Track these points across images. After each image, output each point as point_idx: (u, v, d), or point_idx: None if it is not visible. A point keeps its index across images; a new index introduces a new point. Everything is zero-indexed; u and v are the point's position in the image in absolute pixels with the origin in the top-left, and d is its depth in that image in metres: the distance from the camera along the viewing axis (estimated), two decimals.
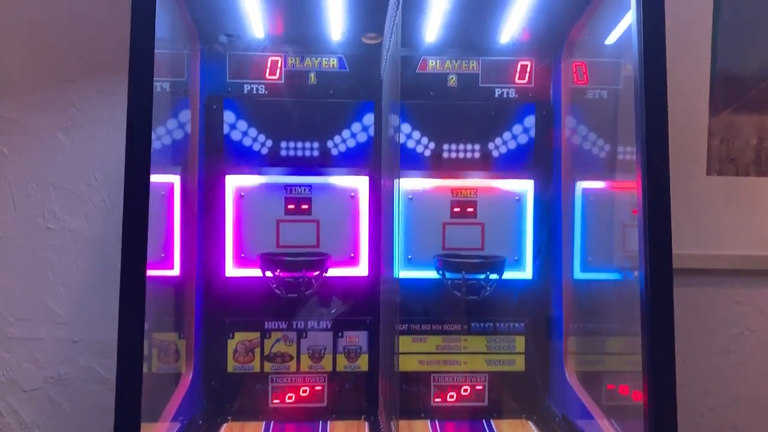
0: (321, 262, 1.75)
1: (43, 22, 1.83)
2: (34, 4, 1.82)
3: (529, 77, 1.90)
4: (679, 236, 1.99)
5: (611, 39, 1.75)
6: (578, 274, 1.84)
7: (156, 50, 1.30)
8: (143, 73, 1.28)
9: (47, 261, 1.87)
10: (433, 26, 1.80)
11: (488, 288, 1.73)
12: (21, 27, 1.83)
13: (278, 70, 1.86)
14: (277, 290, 1.71)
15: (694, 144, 2.00)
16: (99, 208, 1.87)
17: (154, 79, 1.31)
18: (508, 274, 1.83)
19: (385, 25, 1.71)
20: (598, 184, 1.87)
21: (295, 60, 1.87)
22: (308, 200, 1.85)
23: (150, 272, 1.30)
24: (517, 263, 1.87)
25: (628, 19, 1.36)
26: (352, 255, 1.84)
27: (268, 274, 1.74)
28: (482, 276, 1.76)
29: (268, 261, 1.74)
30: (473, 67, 1.90)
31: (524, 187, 1.88)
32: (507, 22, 1.79)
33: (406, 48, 1.86)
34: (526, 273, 1.88)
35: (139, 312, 1.24)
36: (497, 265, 1.77)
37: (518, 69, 1.89)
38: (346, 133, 1.88)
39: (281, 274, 1.71)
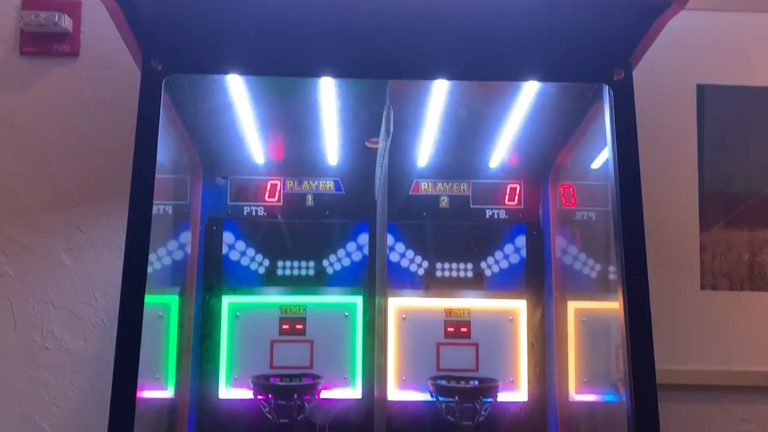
0: (313, 386, 1.74)
1: (53, 148, 1.93)
2: (46, 131, 1.93)
3: (519, 199, 1.96)
4: (677, 352, 1.98)
5: (597, 163, 1.83)
6: (573, 396, 1.82)
7: (159, 175, 1.38)
8: (143, 200, 1.34)
9: (42, 381, 1.87)
10: (424, 151, 1.89)
11: (483, 413, 1.71)
12: (33, 151, 1.93)
13: (277, 193, 1.94)
14: (268, 414, 1.70)
15: (687, 259, 2.02)
16: (97, 328, 1.90)
17: (157, 202, 1.38)
18: (502, 396, 1.81)
19: (377, 151, 1.80)
20: (590, 304, 1.89)
21: (294, 183, 1.95)
22: (303, 320, 1.87)
23: (142, 393, 1.32)
24: (512, 385, 1.85)
25: None
26: (346, 376, 1.84)
27: (261, 397, 1.74)
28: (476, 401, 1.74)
29: (260, 385, 1.74)
30: (464, 189, 1.97)
31: (517, 306, 1.90)
32: (495, 147, 1.88)
33: (398, 171, 1.95)
34: (521, 394, 1.86)
35: None
36: (491, 390, 1.76)
37: (508, 191, 1.96)
38: (341, 253, 1.93)
39: (274, 398, 1.71)
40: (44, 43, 1.93)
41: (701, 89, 2.07)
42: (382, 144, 1.49)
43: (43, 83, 1.95)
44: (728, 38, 2.07)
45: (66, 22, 1.90)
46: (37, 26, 1.90)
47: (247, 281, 1.90)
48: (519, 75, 1.36)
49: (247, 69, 1.35)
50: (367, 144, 1.84)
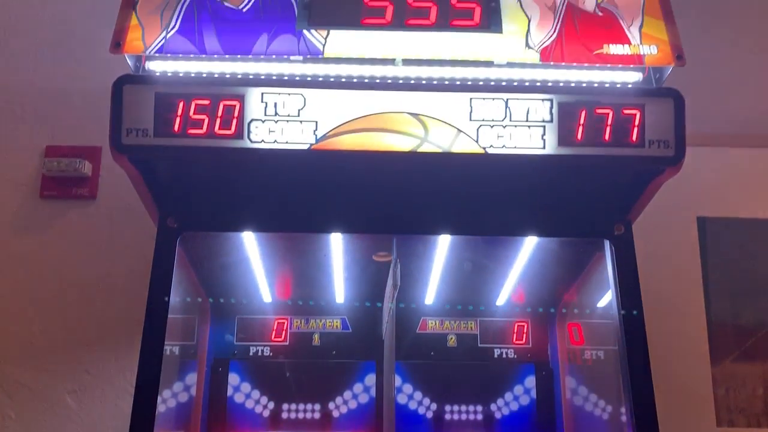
0: None
1: (68, 289, 1.95)
2: (61, 273, 1.96)
3: (527, 338, 1.96)
4: None
5: (603, 302, 1.84)
6: None
7: (169, 317, 1.39)
8: (153, 349, 1.35)
9: None
10: (431, 290, 1.91)
11: None
12: (48, 293, 1.95)
13: (284, 332, 1.94)
14: None
15: (700, 395, 1.98)
16: None
17: (165, 343, 1.39)
18: None
19: (386, 287, 1.83)
20: None
21: (301, 322, 1.96)
22: None
23: None
24: None
25: None
26: None
27: None
28: None
29: None
30: (472, 327, 1.97)
31: None
32: (501, 288, 1.90)
33: (405, 308, 1.95)
34: None
35: None
36: None
37: (515, 330, 1.96)
38: (347, 394, 1.90)
39: None
40: (64, 187, 2.01)
41: (702, 222, 2.11)
42: (389, 295, 1.52)
43: (61, 225, 2.01)
44: (728, 172, 2.13)
45: (86, 168, 1.99)
46: (58, 171, 1.99)
47: (252, 425, 1.85)
48: (521, 231, 1.41)
49: (259, 227, 1.41)
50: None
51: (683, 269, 2.06)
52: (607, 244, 1.42)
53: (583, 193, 1.39)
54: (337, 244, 1.57)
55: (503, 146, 1.25)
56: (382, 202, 1.38)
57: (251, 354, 1.92)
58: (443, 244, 1.54)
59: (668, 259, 2.04)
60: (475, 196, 1.37)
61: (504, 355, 1.94)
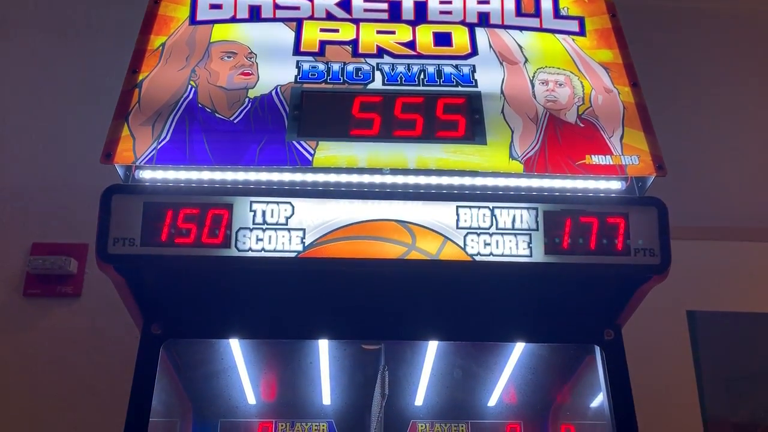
0: None
1: (46, 391, 1.88)
2: (40, 373, 1.89)
3: None
4: None
5: (596, 402, 1.79)
6: None
7: (150, 419, 1.34)
8: None
9: None
10: (420, 391, 1.86)
11: None
12: (24, 396, 1.88)
13: None
14: None
15: None
16: None
17: None
18: None
19: (374, 392, 1.78)
20: None
21: (286, 426, 1.89)
22: None
23: None
24: None
25: None
26: None
27: None
28: None
29: None
30: (463, 430, 1.90)
31: None
32: (492, 390, 1.85)
33: (394, 410, 1.89)
34: None
35: None
36: None
37: None
38: None
39: None
40: (48, 285, 1.98)
41: (692, 315, 2.10)
42: (377, 407, 1.48)
43: (43, 324, 1.96)
44: (714, 266, 2.14)
45: (71, 265, 1.97)
46: (43, 269, 1.96)
47: None
48: (509, 337, 1.40)
49: (245, 334, 1.38)
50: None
51: (675, 364, 2.03)
52: (597, 349, 1.40)
53: (572, 300, 1.38)
54: (324, 349, 1.55)
55: (490, 254, 1.26)
56: (370, 309, 1.37)
57: None
58: (432, 349, 1.51)
59: (659, 354, 2.02)
60: (463, 302, 1.36)
61: None
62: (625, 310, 1.38)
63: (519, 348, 1.56)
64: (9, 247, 2.03)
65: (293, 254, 1.26)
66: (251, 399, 1.88)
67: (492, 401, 1.91)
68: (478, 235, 1.27)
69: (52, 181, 2.10)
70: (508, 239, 1.26)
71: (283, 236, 1.26)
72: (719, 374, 2.05)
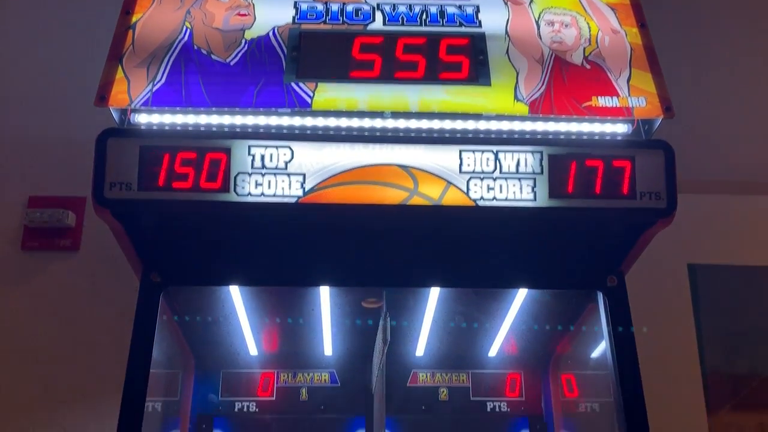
0: None
1: (46, 344, 1.87)
2: (40, 326, 1.88)
3: (520, 390, 1.90)
4: None
5: (597, 352, 1.80)
6: None
7: (151, 371, 1.34)
8: (134, 406, 1.30)
9: None
10: (421, 341, 1.87)
11: None
12: (24, 348, 1.87)
13: (270, 387, 1.88)
14: None
15: None
16: None
17: (148, 399, 1.34)
18: None
19: (375, 339, 1.78)
20: None
21: (288, 376, 1.90)
22: None
23: None
24: None
25: None
26: None
27: None
28: None
29: None
30: (464, 380, 1.92)
31: None
32: (493, 339, 1.85)
33: (395, 361, 1.90)
34: None
35: None
36: None
37: (508, 382, 1.91)
38: None
39: None
40: (46, 238, 1.96)
41: (692, 269, 2.09)
42: (378, 352, 1.48)
43: (42, 278, 1.95)
44: (716, 219, 2.12)
45: (69, 218, 1.95)
46: (40, 222, 1.94)
47: None
48: (512, 284, 1.39)
49: (246, 281, 1.37)
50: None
51: (675, 318, 2.03)
52: (600, 295, 1.40)
53: (575, 245, 1.37)
54: (325, 296, 1.54)
55: (494, 198, 1.24)
56: (371, 255, 1.36)
57: (236, 410, 1.85)
58: (434, 296, 1.50)
59: (660, 307, 2.01)
60: (465, 248, 1.35)
61: (497, 409, 1.89)
62: (628, 256, 1.37)
63: (521, 296, 1.55)
64: (6, 200, 2.00)
65: (293, 199, 1.23)
66: (253, 350, 1.89)
67: (493, 351, 1.92)
68: (482, 179, 1.25)
69: (48, 134, 2.06)
70: (512, 183, 1.24)
71: (283, 181, 1.23)
72: (719, 327, 2.05)
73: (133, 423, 1.28)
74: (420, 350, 1.91)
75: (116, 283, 1.93)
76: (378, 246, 1.34)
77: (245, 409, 1.85)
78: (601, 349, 1.75)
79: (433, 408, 1.87)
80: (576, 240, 1.34)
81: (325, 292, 1.51)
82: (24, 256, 1.97)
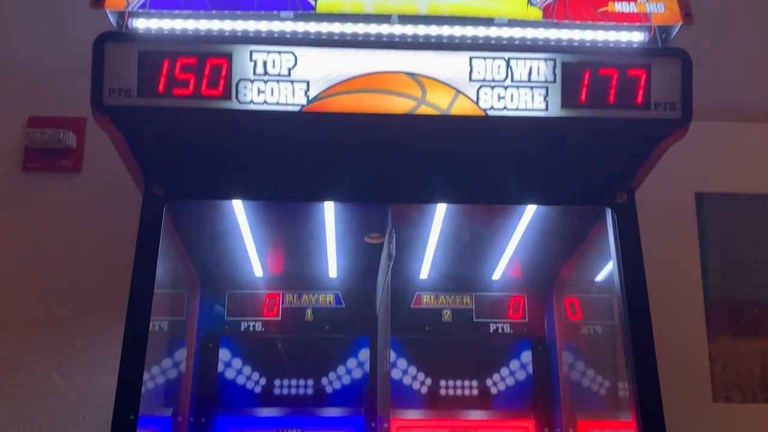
0: None
1: (51, 264, 1.90)
2: (44, 246, 1.90)
3: (523, 312, 1.92)
4: None
5: (601, 276, 1.80)
6: None
7: (156, 290, 1.34)
8: (139, 321, 1.30)
9: None
10: (425, 264, 1.87)
11: None
12: (30, 268, 1.89)
13: (276, 307, 1.90)
14: None
15: (696, 371, 1.96)
16: None
17: (153, 318, 1.35)
18: None
19: (380, 260, 1.78)
20: (602, 423, 1.81)
21: (293, 297, 1.92)
22: None
23: None
24: None
25: None
26: None
27: None
28: None
29: None
30: (467, 302, 1.93)
31: (526, 426, 1.81)
32: (498, 261, 1.85)
33: (400, 283, 1.91)
34: None
35: None
36: None
37: (511, 304, 1.92)
38: (341, 369, 1.86)
39: None
40: (47, 159, 1.94)
41: (699, 197, 2.07)
42: (384, 266, 1.47)
43: (45, 198, 1.94)
44: (724, 147, 2.09)
45: (70, 139, 1.93)
46: (41, 143, 1.92)
47: (243, 401, 1.81)
48: (520, 199, 1.37)
49: (249, 195, 1.35)
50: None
51: (680, 245, 2.02)
52: (609, 212, 1.37)
53: (585, 160, 1.34)
54: (329, 214, 1.52)
55: (504, 108, 1.20)
56: (376, 168, 1.33)
57: (242, 329, 1.88)
58: (440, 213, 1.49)
59: (665, 235, 2.00)
60: (474, 161, 1.32)
61: (500, 330, 1.91)
62: (639, 171, 1.35)
63: (527, 215, 1.53)
64: (5, 121, 1.97)
65: (297, 108, 1.20)
66: (258, 271, 1.89)
67: (497, 275, 1.92)
68: (492, 88, 1.21)
69: (46, 54, 2.01)
70: (523, 92, 1.20)
71: (286, 88, 1.19)
72: (724, 255, 2.05)
73: (139, 339, 1.29)
74: (424, 273, 1.91)
75: (120, 204, 1.92)
76: (384, 159, 1.31)
77: (251, 329, 1.87)
78: (606, 272, 1.76)
79: (436, 329, 1.89)
80: (587, 153, 1.32)
81: (329, 210, 1.50)
82: (26, 176, 1.95)
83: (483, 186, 1.35)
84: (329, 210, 1.51)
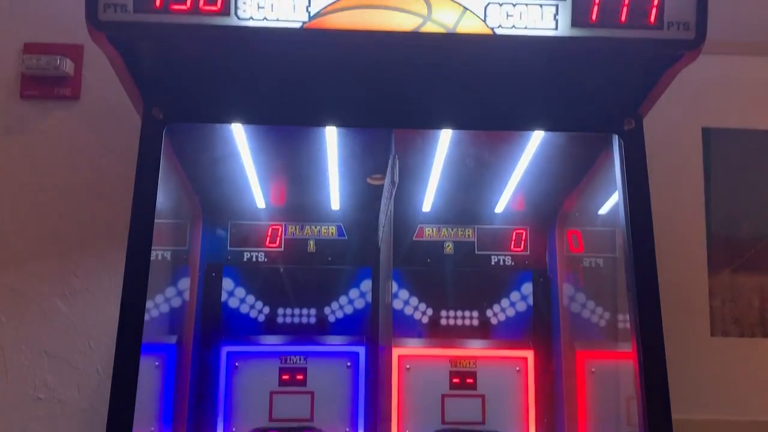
0: None
1: (51, 192, 1.89)
2: (44, 175, 1.89)
3: (525, 245, 1.92)
4: (686, 401, 1.90)
5: (604, 209, 1.79)
6: None
7: (158, 220, 1.34)
8: (141, 248, 1.30)
9: None
10: (428, 196, 1.86)
11: None
12: (30, 196, 1.89)
13: (278, 238, 1.90)
14: None
15: (695, 305, 1.97)
16: (92, 378, 1.83)
17: (156, 247, 1.35)
18: None
19: (382, 194, 1.77)
20: (600, 354, 1.83)
21: (296, 228, 1.92)
22: (303, 370, 1.81)
23: None
24: None
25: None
26: (348, 429, 1.77)
27: None
28: None
29: None
30: (469, 235, 1.93)
31: (525, 356, 1.84)
32: (501, 193, 1.84)
33: (402, 216, 1.91)
34: None
35: None
36: None
37: (513, 237, 1.92)
38: (343, 300, 1.88)
39: None
40: (45, 87, 1.91)
41: (706, 132, 2.04)
42: (387, 193, 1.46)
43: (43, 127, 1.92)
44: (733, 82, 2.05)
45: (67, 66, 1.89)
46: (38, 70, 1.88)
47: (247, 329, 1.84)
48: (527, 125, 1.34)
49: (249, 118, 1.32)
50: (369, 181, 1.80)
51: (685, 180, 2.01)
52: (616, 139, 1.35)
53: (594, 84, 1.30)
54: (332, 141, 1.50)
55: (513, 26, 1.16)
56: (379, 91, 1.30)
57: (245, 259, 1.89)
58: (444, 139, 1.46)
59: (670, 170, 1.99)
60: (480, 84, 1.29)
61: (501, 263, 1.91)
62: (649, 96, 1.31)
63: (532, 144, 1.51)
64: (1, 47, 1.93)
65: (298, 24, 1.16)
66: (261, 203, 1.89)
67: (499, 207, 1.92)
68: (500, 5, 1.16)
69: None
70: (532, 10, 1.16)
71: (287, 4, 1.15)
72: (728, 190, 2.03)
73: (141, 262, 1.29)
74: (427, 205, 1.90)
75: (119, 132, 1.91)
76: (387, 81, 1.28)
77: (254, 259, 1.88)
78: (609, 205, 1.75)
79: (437, 261, 1.90)
80: (596, 76, 1.28)
81: (331, 136, 1.48)
82: (24, 104, 1.92)
83: (489, 111, 1.32)
84: (331, 137, 1.49)
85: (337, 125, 1.36)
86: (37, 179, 1.90)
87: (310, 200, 1.89)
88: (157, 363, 1.73)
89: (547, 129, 1.35)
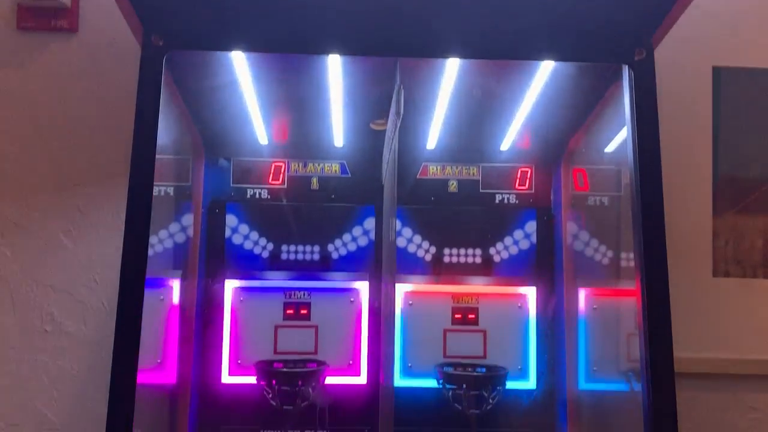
0: (318, 373, 1.71)
1: (51, 126, 1.87)
2: (43, 108, 1.87)
3: (530, 183, 1.91)
4: (687, 339, 1.93)
5: (611, 147, 1.77)
6: (583, 385, 1.79)
7: (160, 156, 1.33)
8: (142, 181, 1.29)
9: (42, 365, 1.84)
10: (433, 133, 1.84)
11: (490, 401, 1.67)
12: (30, 130, 1.88)
13: (281, 175, 1.89)
14: (271, 401, 1.66)
15: (698, 245, 1.97)
16: (97, 312, 1.85)
17: (158, 183, 1.34)
18: (511, 384, 1.77)
19: (386, 132, 1.75)
20: (602, 292, 1.85)
21: (299, 165, 1.90)
22: (307, 305, 1.83)
23: (143, 378, 1.28)
24: (521, 372, 1.82)
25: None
26: (351, 362, 1.80)
27: (264, 383, 1.70)
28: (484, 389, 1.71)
29: (264, 371, 1.70)
30: (474, 173, 1.92)
31: (527, 293, 1.86)
32: (507, 130, 1.82)
33: (406, 154, 1.89)
34: (530, 383, 1.82)
35: (127, 420, 1.21)
36: (499, 378, 1.72)
37: (518, 175, 1.91)
38: (346, 237, 1.88)
39: (277, 384, 1.67)
40: (42, 18, 1.87)
41: (717, 72, 2.00)
42: (391, 125, 1.44)
43: (41, 59, 1.89)
44: (745, 20, 2.00)
45: None
46: (35, 0, 1.84)
47: (251, 265, 1.85)
48: (536, 54, 1.30)
49: (251, 46, 1.29)
50: (372, 126, 1.78)
51: (694, 119, 1.97)
52: (626, 70, 1.32)
53: (604, 12, 1.26)
54: (335, 71, 1.47)
55: None
56: (385, 17, 1.26)
57: (248, 196, 1.88)
58: (451, 70, 1.43)
59: (680, 108, 1.95)
60: (488, 12, 1.25)
61: (506, 201, 1.91)
62: (661, 25, 1.27)
63: (540, 76, 1.48)
64: None
65: None
66: (263, 139, 1.87)
67: (505, 145, 1.90)
68: None
69: None
70: None
71: None
72: (737, 132, 2.00)
73: (143, 195, 1.28)
74: (431, 143, 1.89)
75: (119, 66, 1.87)
76: (393, 7, 1.24)
77: (257, 196, 1.88)
78: (616, 143, 1.73)
79: (441, 199, 1.89)
80: (607, 3, 1.24)
81: (335, 66, 1.44)
82: (21, 36, 1.88)
83: (497, 40, 1.29)
84: (335, 67, 1.46)
85: (341, 53, 1.32)
86: (37, 112, 1.88)
87: (313, 137, 1.87)
88: (162, 297, 1.75)
89: (556, 58, 1.31)
